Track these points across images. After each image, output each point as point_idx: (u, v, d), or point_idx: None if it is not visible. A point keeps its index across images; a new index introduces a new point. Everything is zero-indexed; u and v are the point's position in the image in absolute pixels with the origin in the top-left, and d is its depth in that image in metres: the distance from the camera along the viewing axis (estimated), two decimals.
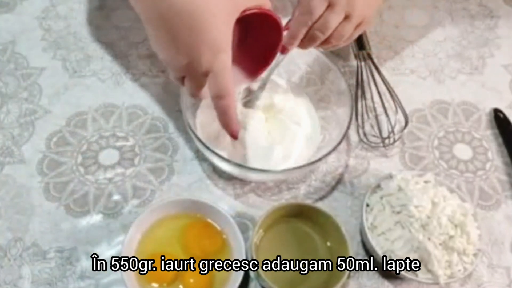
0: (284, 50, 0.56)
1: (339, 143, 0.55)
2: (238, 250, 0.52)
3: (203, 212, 0.55)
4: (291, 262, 0.53)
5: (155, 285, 0.52)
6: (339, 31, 0.54)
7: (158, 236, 0.54)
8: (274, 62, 0.57)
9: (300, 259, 0.54)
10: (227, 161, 0.53)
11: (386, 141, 0.65)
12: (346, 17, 0.53)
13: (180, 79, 0.50)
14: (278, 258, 0.53)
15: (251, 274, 0.55)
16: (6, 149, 0.63)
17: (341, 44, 0.57)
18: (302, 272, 0.53)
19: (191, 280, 0.52)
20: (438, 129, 0.69)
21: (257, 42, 0.54)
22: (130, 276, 0.51)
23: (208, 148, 0.54)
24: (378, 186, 0.58)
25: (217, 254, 0.54)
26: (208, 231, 0.55)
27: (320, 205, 0.60)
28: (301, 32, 0.54)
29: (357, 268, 0.56)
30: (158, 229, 0.55)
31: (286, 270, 0.53)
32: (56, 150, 0.63)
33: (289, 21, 0.57)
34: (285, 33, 0.54)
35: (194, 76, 0.48)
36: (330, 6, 0.52)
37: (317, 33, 0.54)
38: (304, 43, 0.55)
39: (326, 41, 0.55)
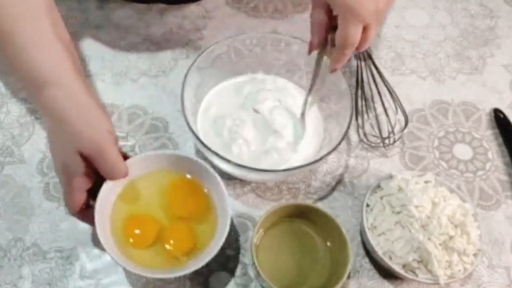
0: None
1: (339, 143, 0.55)
2: (223, 210, 0.50)
3: (187, 169, 0.52)
4: (291, 262, 0.53)
5: (134, 248, 0.49)
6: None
7: (136, 195, 0.51)
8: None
9: (300, 259, 0.54)
10: (227, 161, 0.53)
11: (386, 141, 0.65)
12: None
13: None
14: (278, 258, 0.53)
15: (251, 274, 0.55)
16: (6, 149, 0.63)
17: None
18: (302, 272, 0.53)
19: (172, 242, 0.50)
20: (438, 129, 0.69)
21: None
22: (107, 240, 0.48)
23: (208, 148, 0.54)
24: (378, 186, 0.58)
25: (201, 214, 0.51)
26: (192, 190, 0.52)
27: (320, 205, 0.60)
28: (343, 63, 0.54)
29: (357, 268, 0.56)
30: (136, 187, 0.52)
31: (286, 270, 0.53)
32: None
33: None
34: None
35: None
36: (365, 29, 0.50)
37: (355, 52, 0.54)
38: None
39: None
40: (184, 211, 0.51)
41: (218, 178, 0.51)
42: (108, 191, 0.50)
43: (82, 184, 0.47)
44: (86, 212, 0.49)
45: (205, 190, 0.53)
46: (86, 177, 0.47)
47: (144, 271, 0.48)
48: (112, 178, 0.48)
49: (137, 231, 0.50)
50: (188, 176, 0.53)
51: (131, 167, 0.50)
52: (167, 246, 0.50)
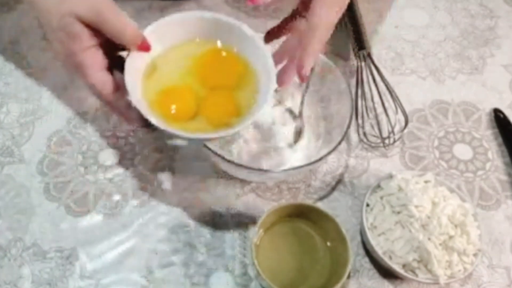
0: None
1: (339, 143, 0.55)
2: (266, 74, 0.46)
3: (215, 34, 0.48)
4: (291, 262, 0.54)
5: (175, 122, 0.45)
6: None
7: (165, 70, 0.47)
8: None
9: (300, 259, 0.54)
10: (227, 161, 0.53)
11: (386, 141, 0.65)
12: None
13: None
14: (278, 258, 0.53)
15: (251, 273, 0.55)
16: (6, 149, 0.63)
17: None
18: (302, 272, 0.53)
19: (214, 110, 0.46)
20: (438, 129, 0.69)
21: None
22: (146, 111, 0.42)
23: (208, 148, 0.54)
24: (378, 186, 0.58)
25: (239, 80, 0.48)
26: (226, 55, 0.48)
27: (320, 205, 0.60)
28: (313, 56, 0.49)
29: (357, 268, 0.56)
30: (163, 62, 0.47)
31: (286, 270, 0.53)
32: (56, 150, 0.63)
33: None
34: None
35: None
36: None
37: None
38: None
39: None
40: (221, 80, 0.47)
41: (258, 40, 0.47)
42: (134, 66, 0.44)
43: (95, 57, 0.43)
44: (120, 102, 0.44)
45: (235, 50, 0.48)
46: (98, 49, 0.43)
47: (196, 135, 0.44)
48: (127, 42, 0.43)
49: (175, 104, 0.45)
50: (218, 41, 0.48)
51: (151, 40, 0.45)
52: (210, 115, 0.45)
